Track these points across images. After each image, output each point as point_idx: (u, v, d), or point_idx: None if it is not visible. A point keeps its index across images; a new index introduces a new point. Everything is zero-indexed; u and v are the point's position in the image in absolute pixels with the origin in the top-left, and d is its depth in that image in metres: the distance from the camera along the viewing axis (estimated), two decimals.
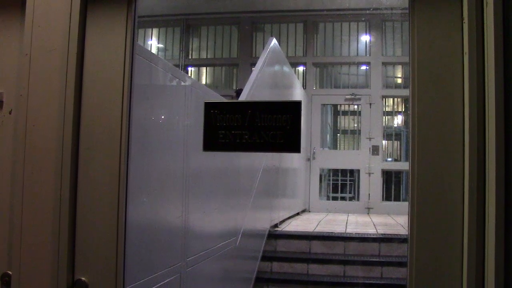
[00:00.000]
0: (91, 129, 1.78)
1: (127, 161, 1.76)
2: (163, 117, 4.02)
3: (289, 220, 10.03)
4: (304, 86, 12.97)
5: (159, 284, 3.78)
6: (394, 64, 13.23)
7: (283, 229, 8.60)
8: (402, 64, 13.03)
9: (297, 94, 11.14)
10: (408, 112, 9.02)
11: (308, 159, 12.64)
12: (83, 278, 1.72)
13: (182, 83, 4.44)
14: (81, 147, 1.78)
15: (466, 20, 1.61)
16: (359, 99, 12.73)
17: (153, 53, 4.64)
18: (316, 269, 7.57)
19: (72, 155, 1.76)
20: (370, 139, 12.59)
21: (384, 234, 8.14)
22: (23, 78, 1.83)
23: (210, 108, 1.86)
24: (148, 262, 3.62)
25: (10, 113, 1.87)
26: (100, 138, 1.76)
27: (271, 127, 1.79)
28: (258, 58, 8.65)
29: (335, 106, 13.94)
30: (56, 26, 1.80)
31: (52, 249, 1.71)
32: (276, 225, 8.70)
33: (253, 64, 10.90)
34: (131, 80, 1.79)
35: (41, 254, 1.72)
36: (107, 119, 1.76)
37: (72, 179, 1.75)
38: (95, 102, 1.78)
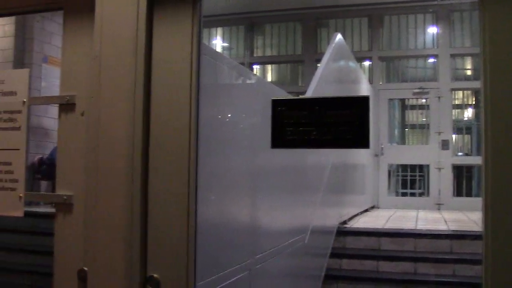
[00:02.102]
0: (161, 128, 1.80)
1: (196, 159, 1.78)
2: (229, 115, 4.05)
3: (358, 217, 9.93)
4: (371, 81, 12.81)
5: (229, 281, 3.80)
6: (463, 55, 12.89)
7: (352, 226, 8.53)
8: (472, 55, 12.68)
9: (364, 89, 11.02)
10: (480, 104, 8.79)
11: (376, 155, 12.48)
12: (155, 275, 1.75)
13: (248, 81, 4.45)
14: (151, 147, 1.80)
15: None
16: (427, 92, 12.46)
17: (219, 52, 4.68)
18: (386, 266, 7.46)
19: (142, 155, 1.79)
20: (439, 133, 12.31)
21: (456, 230, 7.95)
22: (94, 80, 1.87)
23: (277, 105, 1.85)
24: (218, 259, 3.65)
25: (82, 115, 1.91)
26: (169, 137, 1.79)
27: (339, 123, 1.77)
28: (323, 54, 8.60)
29: (402, 100, 13.70)
30: (124, 29, 1.83)
31: (125, 247, 1.74)
32: (345, 222, 8.63)
33: (318, 60, 10.84)
34: (198, 79, 1.81)
35: (115, 251, 1.75)
36: (176, 119, 1.78)
37: (143, 177, 1.78)
38: (164, 102, 1.81)
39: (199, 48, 1.83)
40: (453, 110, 12.90)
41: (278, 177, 5.14)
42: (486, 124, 1.58)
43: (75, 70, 1.96)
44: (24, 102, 1.98)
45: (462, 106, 13.65)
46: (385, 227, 8.37)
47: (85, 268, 1.79)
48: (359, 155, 10.33)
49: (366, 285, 7.25)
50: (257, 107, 4.41)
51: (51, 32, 10.70)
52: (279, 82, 14.04)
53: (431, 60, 13.03)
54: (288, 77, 14.52)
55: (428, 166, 12.56)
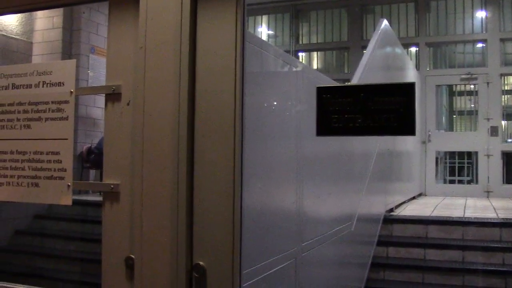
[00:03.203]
0: (206, 117, 1.81)
1: (241, 147, 1.78)
2: (275, 103, 4.04)
3: (405, 204, 9.84)
4: (418, 67, 12.63)
5: (275, 269, 3.81)
6: None
7: (399, 214, 8.45)
8: None
9: (410, 75, 10.88)
10: None
11: (424, 142, 12.32)
12: (201, 263, 1.76)
13: (294, 69, 4.44)
14: (196, 135, 1.81)
15: None
16: (476, 78, 12.21)
17: (264, 40, 4.67)
18: (433, 255, 7.37)
19: (187, 143, 1.80)
20: (488, 119, 12.08)
21: (506, 218, 7.78)
22: (139, 70, 1.88)
23: (322, 92, 1.84)
24: (264, 247, 3.66)
25: (128, 104, 1.93)
26: (214, 125, 1.79)
27: (384, 110, 1.75)
28: (369, 40, 8.52)
29: (450, 86, 13.48)
30: (168, 18, 1.84)
31: (171, 234, 1.76)
32: (391, 210, 8.56)
33: (364, 47, 10.75)
34: (243, 67, 1.81)
35: (161, 239, 1.77)
36: (221, 107, 1.79)
37: (189, 166, 1.79)
38: (209, 90, 1.81)
39: (244, 37, 1.82)
40: (503, 96, 12.61)
41: (324, 164, 5.13)
42: None
43: (120, 60, 1.98)
44: (71, 92, 2.01)
45: None
46: (432, 215, 8.27)
47: (132, 256, 1.82)
48: (405, 142, 10.22)
49: (413, 273, 7.19)
50: (302, 95, 4.39)
51: (98, 23, 10.85)
52: (324, 69, 13.97)
53: (479, 45, 12.76)
54: (334, 64, 14.43)
55: (476, 153, 12.34)
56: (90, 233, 7.73)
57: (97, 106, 10.44)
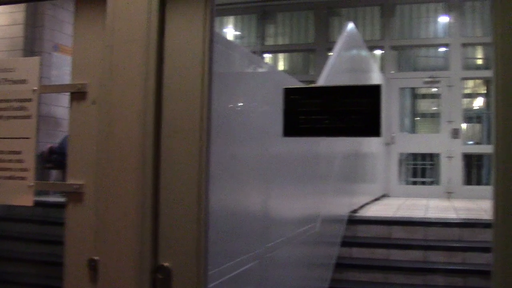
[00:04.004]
0: (172, 117, 1.80)
1: (208, 148, 1.77)
2: (242, 104, 4.04)
3: (369, 205, 9.93)
4: (382, 70, 12.77)
5: (240, 270, 3.81)
6: (474, 44, 12.87)
7: (363, 215, 8.52)
8: (483, 44, 12.63)
9: (375, 78, 10.99)
10: (490, 93, 8.82)
11: (387, 144, 12.45)
12: (166, 264, 1.74)
13: (260, 70, 4.44)
14: (163, 135, 1.80)
15: None
16: (438, 81, 12.41)
17: (231, 41, 4.67)
18: (396, 255, 7.46)
19: (154, 143, 1.78)
20: (450, 122, 12.28)
21: (466, 219, 7.95)
22: (106, 69, 1.86)
23: (289, 93, 1.84)
24: (229, 248, 3.66)
25: (93, 103, 1.91)
26: (181, 125, 1.78)
27: (351, 111, 1.76)
28: (335, 43, 8.57)
29: (413, 89, 13.68)
30: (136, 17, 1.82)
31: (136, 236, 1.74)
32: (355, 211, 8.63)
33: (330, 49, 10.81)
34: (210, 68, 1.80)
35: (126, 240, 1.75)
36: (188, 107, 1.78)
37: (155, 166, 1.78)
38: (176, 90, 1.80)
39: (212, 37, 1.81)
40: (464, 99, 12.85)
41: (290, 165, 5.14)
42: (497, 113, 1.56)
43: (86, 59, 1.96)
44: (34, 90, 1.98)
45: (472, 95, 13.61)
46: (395, 216, 8.37)
47: (96, 257, 1.79)
48: (370, 144, 10.32)
49: (376, 273, 7.27)
50: (268, 96, 4.40)
51: (62, 20, 10.70)
52: (290, 71, 14.03)
53: (442, 49, 12.99)
54: (300, 66, 14.49)
55: (438, 154, 12.55)
56: (51, 235, 7.61)
57: (60, 105, 10.30)
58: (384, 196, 12.15)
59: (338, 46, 7.96)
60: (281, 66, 14.32)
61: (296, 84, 5.90)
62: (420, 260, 7.33)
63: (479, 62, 13.22)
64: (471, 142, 13.27)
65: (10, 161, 1.97)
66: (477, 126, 13.68)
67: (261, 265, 4.26)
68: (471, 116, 13.47)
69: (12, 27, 10.22)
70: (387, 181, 12.55)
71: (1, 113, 2.02)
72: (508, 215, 1.52)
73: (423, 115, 14.20)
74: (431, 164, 12.88)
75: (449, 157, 12.27)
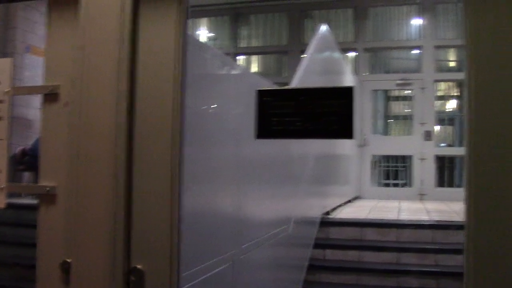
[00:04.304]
0: (145, 119, 1.79)
1: (181, 149, 1.77)
2: (215, 105, 4.04)
3: (341, 208, 9.97)
4: (355, 72, 12.84)
5: (213, 272, 3.81)
6: (447, 47, 12.96)
7: (336, 216, 8.56)
8: (455, 46, 12.76)
9: (348, 80, 11.05)
10: (463, 96, 8.89)
11: (360, 146, 12.52)
12: (139, 266, 1.74)
13: (233, 72, 4.44)
14: (135, 137, 1.79)
15: None
16: (411, 83, 12.51)
17: (204, 43, 4.66)
18: (369, 257, 7.51)
19: (126, 145, 1.78)
20: (422, 124, 12.38)
21: (438, 221, 8.00)
22: (78, 71, 1.85)
23: (262, 95, 1.85)
24: (202, 250, 3.65)
25: (66, 105, 1.90)
26: (154, 128, 1.78)
27: (324, 113, 1.78)
28: (308, 45, 8.60)
29: (386, 91, 13.78)
30: (109, 18, 1.82)
31: (109, 238, 1.74)
32: (328, 213, 8.66)
33: (303, 51, 10.82)
34: (183, 70, 1.80)
35: (98, 242, 1.75)
36: (160, 109, 1.78)
37: (127, 168, 1.77)
38: (149, 92, 1.80)
39: (185, 39, 1.82)
40: (436, 102, 12.97)
41: (263, 167, 5.15)
42: (469, 115, 1.58)
43: (59, 60, 1.95)
44: (7, 92, 1.96)
45: (445, 98, 13.74)
46: (368, 218, 8.41)
47: (68, 260, 1.78)
48: (342, 146, 10.36)
49: (349, 275, 7.30)
50: (242, 98, 4.40)
51: (34, 21, 10.59)
52: (263, 72, 14.04)
53: (415, 51, 13.09)
54: (273, 68, 14.52)
55: (411, 156, 12.63)
56: (23, 237, 7.53)
57: (32, 107, 10.20)
58: (357, 198, 12.21)
59: (311, 48, 7.99)
60: (254, 68, 14.32)
61: (269, 86, 5.92)
62: (392, 262, 7.38)
63: (452, 64, 13.34)
64: (443, 144, 13.40)
65: None
66: (450, 128, 13.82)
67: (234, 267, 4.26)
68: (443, 118, 13.59)
69: None
70: (360, 183, 12.62)
71: None
72: (480, 217, 1.55)
73: (396, 117, 14.30)
74: (404, 166, 12.96)
75: (422, 159, 12.37)
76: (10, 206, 1.89)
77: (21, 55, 10.24)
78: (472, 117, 1.58)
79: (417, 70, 12.85)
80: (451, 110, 14.01)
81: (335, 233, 8.03)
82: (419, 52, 12.90)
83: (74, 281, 1.77)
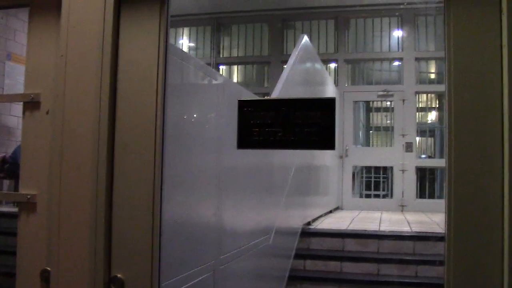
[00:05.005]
0: (126, 128, 1.79)
1: (162, 159, 1.77)
2: (195, 115, 4.04)
3: (322, 218, 9.99)
4: (336, 83, 12.90)
5: (193, 282, 3.80)
6: (427, 59, 13.07)
7: (316, 227, 8.57)
8: (436, 59, 12.85)
9: (329, 91, 11.09)
10: (443, 108, 8.90)
11: (341, 157, 12.57)
12: (119, 275, 1.74)
13: (214, 82, 4.45)
14: (116, 146, 1.79)
15: (505, 11, 1.58)
16: (392, 95, 12.58)
17: (185, 52, 4.67)
18: (349, 267, 7.52)
19: (108, 153, 1.78)
20: (403, 135, 12.45)
21: (419, 232, 8.03)
22: (59, 79, 1.85)
23: (243, 105, 1.86)
24: (182, 260, 3.64)
25: (47, 113, 1.90)
26: (135, 137, 1.78)
27: (305, 124, 1.79)
28: (289, 55, 8.63)
29: (367, 102, 13.85)
30: (90, 28, 1.82)
31: (89, 246, 1.73)
32: (309, 223, 8.68)
33: (284, 62, 10.89)
34: (165, 79, 1.80)
35: (79, 251, 1.74)
36: (142, 118, 1.78)
37: (108, 177, 1.77)
38: (130, 101, 1.80)
39: (166, 48, 1.82)
40: (417, 113, 13.05)
41: (243, 178, 5.15)
42: (450, 127, 1.60)
43: (40, 68, 1.94)
44: None
45: (426, 109, 13.84)
46: (348, 228, 8.43)
47: (48, 268, 1.77)
48: (323, 157, 10.39)
49: (330, 285, 7.30)
50: (223, 108, 4.41)
51: (15, 29, 10.53)
52: (245, 83, 14.05)
53: (396, 63, 13.18)
54: (254, 78, 14.54)
55: (392, 168, 12.68)
56: (3, 245, 7.47)
57: (12, 115, 10.13)
58: (337, 208, 12.25)
59: (292, 59, 8.02)
60: (236, 78, 14.34)
61: (251, 96, 5.93)
62: (373, 273, 7.40)
63: (432, 76, 13.43)
64: (424, 156, 13.47)
65: None
66: (430, 140, 13.90)
67: (214, 276, 4.25)
68: (424, 130, 13.67)
69: None
70: (341, 194, 12.65)
71: None
72: (460, 228, 1.56)
73: (377, 129, 14.35)
74: (385, 177, 13.01)
75: (403, 171, 12.43)
76: None
77: (2, 63, 10.17)
78: (452, 129, 1.59)
79: (398, 81, 12.93)
80: (431, 121, 14.11)
81: (316, 244, 8.03)
82: (400, 64, 12.98)
83: None
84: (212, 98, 4.35)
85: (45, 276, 1.76)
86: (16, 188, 1.97)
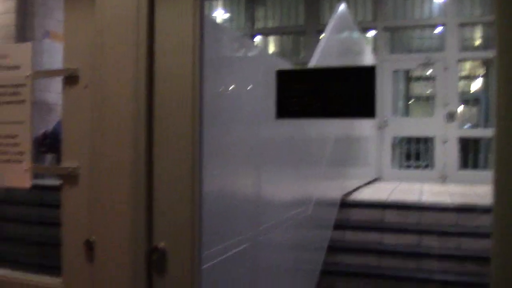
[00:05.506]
0: (164, 100, 1.80)
1: (201, 130, 1.78)
2: (233, 87, 4.04)
3: (361, 189, 9.93)
4: (375, 52, 12.68)
5: (232, 252, 3.83)
6: (472, 24, 12.62)
7: (356, 198, 8.52)
8: (481, 24, 12.46)
9: (367, 60, 10.95)
10: (490, 75, 8.64)
11: (380, 127, 12.42)
12: (161, 245, 1.76)
13: (250, 53, 4.43)
14: (155, 118, 1.80)
15: None
16: (433, 63, 12.28)
17: (221, 24, 4.65)
18: (390, 239, 7.46)
19: (146, 125, 1.79)
20: (445, 105, 12.17)
21: (462, 203, 7.86)
22: (97, 53, 1.86)
23: (282, 75, 1.84)
24: (221, 230, 3.67)
25: (85, 87, 1.91)
26: (173, 108, 1.79)
27: (344, 93, 1.77)
28: (326, 25, 8.52)
29: (407, 71, 13.56)
30: (126, 1, 1.82)
31: (131, 217, 1.76)
32: (348, 194, 8.65)
33: (320, 31, 10.72)
34: (201, 51, 1.80)
35: (121, 221, 1.77)
36: (180, 90, 1.78)
37: (148, 148, 1.78)
38: (167, 74, 1.80)
39: (202, 20, 1.82)
40: (460, 82, 12.71)
41: (282, 149, 5.15)
42: (499, 95, 1.54)
43: (77, 43, 1.96)
44: (28, 76, 1.98)
45: (469, 77, 13.48)
46: (389, 199, 8.36)
47: (92, 238, 1.81)
48: (362, 128, 10.32)
49: (369, 257, 7.27)
50: (260, 79, 4.39)
51: (52, 7, 10.62)
52: (280, 53, 13.95)
53: (438, 29, 12.79)
54: (290, 48, 14.41)
55: (433, 138, 12.42)
56: (48, 217, 7.64)
57: (52, 91, 10.27)
58: (377, 180, 12.14)
59: (329, 28, 7.91)
60: (271, 48, 14.25)
61: (287, 66, 5.90)
62: (414, 244, 7.34)
63: (477, 42, 13.01)
64: (467, 126, 13.18)
65: (6, 145, 1.99)
66: (474, 109, 13.58)
67: (252, 247, 4.28)
68: (468, 99, 13.36)
69: (3, 16, 10.15)
70: (380, 165, 12.51)
71: None
72: (509, 200, 1.52)
73: (417, 98, 14.09)
74: (425, 148, 12.79)
75: (444, 141, 12.19)
76: (34, 187, 1.92)
77: (40, 41, 10.29)
78: (501, 97, 1.54)
79: (440, 49, 12.51)
80: (476, 90, 13.74)
81: (355, 215, 8.00)
82: (442, 31, 12.61)
83: (97, 258, 1.80)
84: (248, 69, 4.34)
85: (89, 245, 1.80)
86: (57, 162, 2.01)
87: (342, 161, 8.52)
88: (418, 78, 13.34)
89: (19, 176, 1.95)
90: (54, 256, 2.06)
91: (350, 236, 7.67)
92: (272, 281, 4.89)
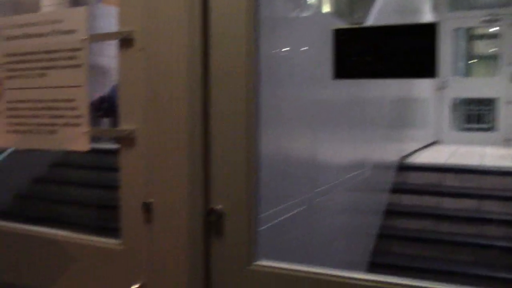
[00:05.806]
0: (220, 62, 1.79)
1: (257, 91, 1.76)
2: (288, 48, 4.00)
3: (419, 152, 9.78)
4: (434, 9, 12.26)
5: (289, 214, 3.84)
6: None
7: (413, 161, 8.40)
8: None
9: (426, 18, 10.65)
10: None
11: (439, 89, 12.11)
12: (218, 207, 1.76)
13: (305, 12, 4.37)
14: (210, 80, 1.79)
15: None
16: (498, 20, 11.77)
17: None
18: (448, 203, 7.32)
19: (202, 88, 1.78)
20: (510, 64, 11.68)
21: None
22: (151, 15, 1.85)
23: (339, 34, 1.79)
24: (278, 192, 3.68)
25: (140, 50, 1.91)
26: (228, 70, 1.77)
27: (404, 51, 1.71)
28: None
29: (469, 29, 13.06)
30: None
31: (188, 178, 1.76)
32: (406, 157, 8.53)
33: None
34: (255, 11, 1.77)
35: (178, 183, 1.78)
36: (235, 52, 1.76)
37: (203, 109, 1.78)
38: (222, 35, 1.78)
39: None
40: None
41: (338, 110, 5.10)
42: None
43: (132, 5, 1.95)
44: (83, 39, 1.99)
45: None
46: (448, 163, 8.21)
47: (150, 200, 1.82)
48: (420, 89, 10.11)
49: (427, 221, 7.17)
50: (315, 39, 4.33)
51: None
52: (335, 13, 13.71)
53: None
54: (345, 7, 14.14)
55: (496, 99, 12.00)
56: (106, 180, 7.82)
57: (105, 56, 10.40)
58: (435, 142, 11.90)
59: None
60: (326, 8, 14.01)
61: (344, 25, 5.79)
62: (473, 209, 7.17)
63: None
64: None
65: (65, 109, 2.01)
66: None
67: (310, 209, 4.27)
68: None
69: None
70: (439, 128, 12.21)
71: (53, 63, 2.05)
72: None
73: (480, 58, 13.59)
74: (488, 110, 12.39)
75: (508, 102, 11.76)
76: (91, 150, 1.94)
77: (94, 5, 10.38)
78: None
79: (506, 4, 11.84)
80: None
81: (413, 178, 7.89)
82: None
83: (156, 220, 1.82)
84: (303, 29, 4.29)
85: (147, 207, 1.82)
86: (114, 126, 2.04)
87: (400, 123, 8.39)
88: (481, 36, 12.85)
89: (77, 139, 1.97)
90: (113, 218, 2.09)
91: (407, 199, 7.59)
92: (328, 244, 4.89)
